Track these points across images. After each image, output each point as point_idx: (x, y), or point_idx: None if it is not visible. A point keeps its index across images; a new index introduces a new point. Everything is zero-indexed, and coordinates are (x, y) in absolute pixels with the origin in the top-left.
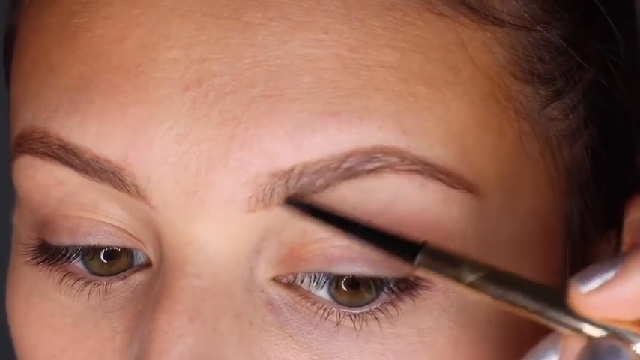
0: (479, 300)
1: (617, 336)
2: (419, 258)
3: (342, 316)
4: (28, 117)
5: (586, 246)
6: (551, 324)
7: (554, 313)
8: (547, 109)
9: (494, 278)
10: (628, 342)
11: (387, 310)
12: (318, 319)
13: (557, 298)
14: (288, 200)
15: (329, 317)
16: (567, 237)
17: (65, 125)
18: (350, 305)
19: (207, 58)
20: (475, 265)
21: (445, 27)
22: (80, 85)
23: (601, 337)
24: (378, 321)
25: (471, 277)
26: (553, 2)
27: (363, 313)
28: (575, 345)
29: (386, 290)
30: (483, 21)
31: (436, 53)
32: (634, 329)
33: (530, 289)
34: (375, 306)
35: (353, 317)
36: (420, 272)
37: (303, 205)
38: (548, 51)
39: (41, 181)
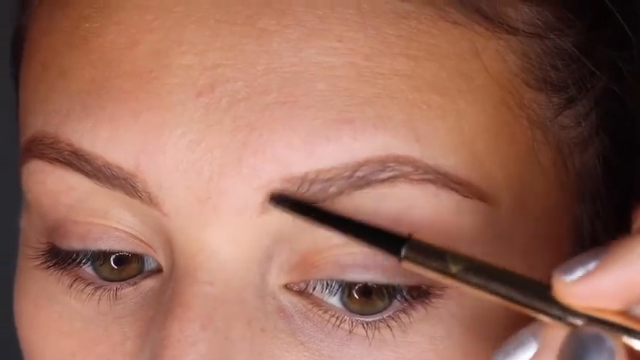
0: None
1: (601, 325)
2: (404, 251)
3: (354, 324)
4: (39, 122)
5: None
6: (534, 314)
7: (537, 303)
8: (559, 117)
9: (476, 269)
10: (612, 332)
11: (399, 318)
12: (330, 327)
13: (541, 289)
14: (271, 197)
15: (341, 325)
16: (578, 243)
17: (76, 131)
18: (362, 313)
19: (221, 65)
20: (457, 257)
21: (459, 35)
22: (92, 90)
23: (585, 326)
24: (391, 329)
25: (454, 269)
26: (565, 10)
27: (375, 321)
28: (557, 334)
29: (399, 298)
30: (497, 29)
31: (450, 62)
32: (618, 319)
33: (513, 280)
34: (387, 314)
35: (365, 325)
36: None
37: (287, 201)
38: (561, 58)
39: (51, 186)
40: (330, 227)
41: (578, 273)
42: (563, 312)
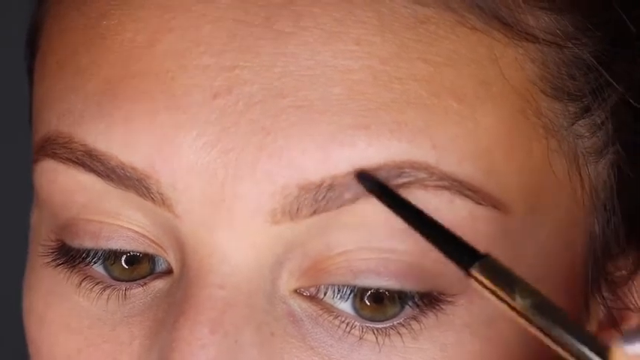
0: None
1: None
2: (475, 268)
3: (364, 330)
4: (53, 121)
5: (607, 262)
6: None
7: None
8: (575, 125)
9: (543, 308)
10: None
11: (410, 325)
12: (340, 332)
13: (599, 348)
14: (360, 174)
15: (351, 332)
16: (589, 253)
17: (91, 131)
18: (372, 320)
19: (238, 66)
20: (528, 290)
21: (477, 42)
22: (107, 90)
23: None
24: (401, 336)
25: (521, 301)
26: (585, 20)
27: (385, 328)
28: None
29: (410, 304)
30: (516, 36)
31: (468, 68)
32: None
33: (576, 331)
34: (398, 321)
35: (376, 332)
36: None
37: (376, 184)
38: (579, 68)
39: (64, 185)
40: (412, 223)
41: None
42: None
